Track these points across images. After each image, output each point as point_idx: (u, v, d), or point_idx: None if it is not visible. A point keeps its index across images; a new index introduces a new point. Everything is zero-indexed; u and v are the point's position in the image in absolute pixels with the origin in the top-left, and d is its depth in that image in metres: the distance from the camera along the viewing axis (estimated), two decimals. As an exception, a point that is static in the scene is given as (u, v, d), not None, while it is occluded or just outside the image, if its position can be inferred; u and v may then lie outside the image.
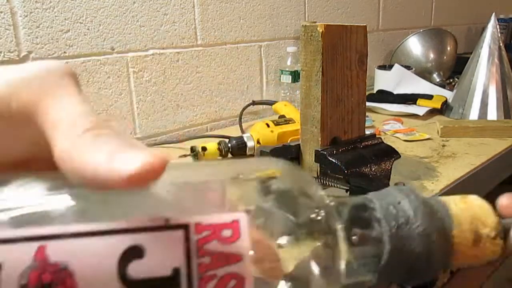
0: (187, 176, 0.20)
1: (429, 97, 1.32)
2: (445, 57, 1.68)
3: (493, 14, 1.25)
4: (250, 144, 0.90)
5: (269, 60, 1.31)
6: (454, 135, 1.06)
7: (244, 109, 1.15)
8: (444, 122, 1.11)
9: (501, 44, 1.23)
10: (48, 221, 0.17)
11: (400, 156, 0.70)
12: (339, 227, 0.20)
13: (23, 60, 0.86)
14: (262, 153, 0.71)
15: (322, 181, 0.68)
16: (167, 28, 1.06)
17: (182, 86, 1.11)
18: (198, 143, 0.90)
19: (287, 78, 1.28)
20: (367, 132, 0.75)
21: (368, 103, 0.95)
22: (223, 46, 1.18)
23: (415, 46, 1.65)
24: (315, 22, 0.66)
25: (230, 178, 0.20)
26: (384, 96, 1.35)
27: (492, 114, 1.19)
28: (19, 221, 0.16)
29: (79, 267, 0.16)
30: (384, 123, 1.17)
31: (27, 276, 0.15)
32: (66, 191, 0.18)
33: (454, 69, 1.67)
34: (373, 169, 0.65)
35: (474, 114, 1.21)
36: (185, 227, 0.17)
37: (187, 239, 0.16)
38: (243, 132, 1.07)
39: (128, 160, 0.16)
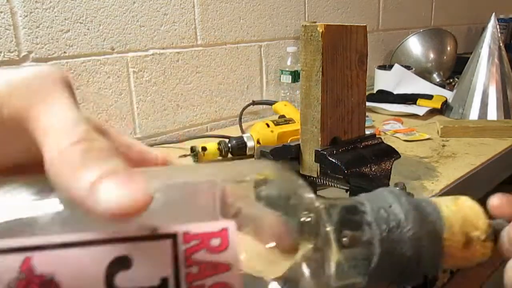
0: (176, 181, 0.20)
1: (429, 97, 1.32)
2: (445, 57, 1.68)
3: (493, 14, 1.25)
4: (250, 144, 0.90)
5: (269, 60, 1.31)
6: (454, 135, 1.06)
7: (244, 109, 1.15)
8: (444, 122, 1.11)
9: (501, 44, 1.23)
10: (34, 230, 0.16)
11: (400, 156, 0.70)
12: (330, 229, 0.20)
13: (23, 60, 0.86)
14: (262, 153, 0.71)
15: (322, 181, 0.68)
16: (167, 28, 1.06)
17: (182, 86, 1.11)
18: (198, 143, 0.90)
19: (287, 78, 1.28)
20: (367, 132, 0.75)
21: (368, 103, 0.95)
22: (223, 46, 1.18)
23: (415, 46, 1.65)
24: (315, 22, 0.66)
25: (220, 182, 0.19)
26: (384, 96, 1.35)
27: (492, 114, 1.19)
28: (4, 230, 0.16)
29: (65, 278, 0.15)
30: (384, 123, 1.17)
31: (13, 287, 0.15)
32: (53, 197, 0.17)
33: (454, 69, 1.67)
34: (373, 169, 0.65)
35: (474, 114, 1.21)
36: (173, 236, 0.16)
37: (175, 249, 0.16)
38: (243, 132, 1.07)
39: (111, 196, 0.15)
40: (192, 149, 0.88)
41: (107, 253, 0.16)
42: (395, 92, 1.38)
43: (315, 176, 0.68)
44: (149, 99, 1.06)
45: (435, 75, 1.64)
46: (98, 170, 0.16)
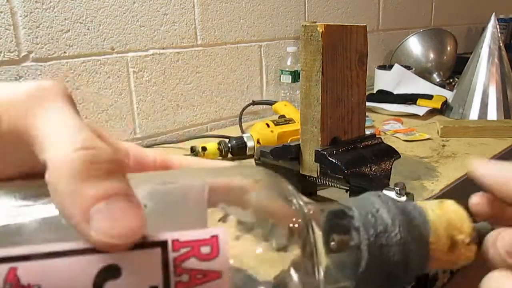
0: (165, 188, 0.19)
1: (429, 97, 1.32)
2: (445, 57, 1.68)
3: (493, 14, 1.25)
4: (250, 144, 0.90)
5: (269, 60, 1.31)
6: (454, 135, 1.06)
7: (244, 109, 1.15)
8: (444, 122, 1.11)
9: (501, 44, 1.23)
10: (19, 238, 0.16)
11: (400, 156, 0.70)
12: (318, 234, 0.20)
13: (23, 60, 0.86)
14: (262, 153, 0.71)
15: (322, 181, 0.68)
16: (167, 28, 1.06)
17: (182, 86, 1.11)
18: (198, 143, 0.90)
19: (287, 78, 1.28)
20: (367, 132, 0.75)
21: (368, 103, 0.95)
22: (223, 46, 1.18)
23: (415, 46, 1.65)
24: (315, 22, 0.66)
25: (210, 188, 0.19)
26: (384, 96, 1.35)
27: (492, 114, 1.19)
28: None
29: None
30: (384, 123, 1.17)
31: None
32: (40, 204, 0.17)
33: (454, 69, 1.67)
34: (373, 169, 0.65)
35: (474, 114, 1.21)
36: (162, 244, 0.16)
37: (164, 257, 0.16)
38: (243, 132, 1.07)
39: (103, 228, 0.15)
40: (192, 149, 0.88)
41: (95, 262, 0.15)
42: (395, 92, 1.38)
43: (315, 176, 0.68)
44: (149, 99, 1.06)
45: (435, 75, 1.64)
46: (96, 188, 0.16)
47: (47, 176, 0.16)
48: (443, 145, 1.01)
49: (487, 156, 0.93)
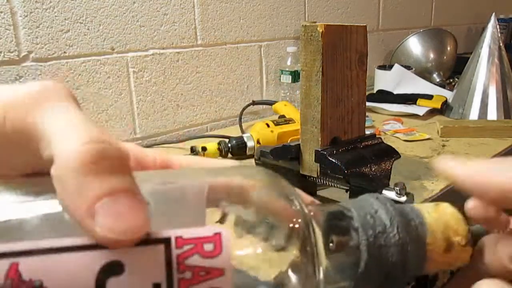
0: (166, 187, 0.19)
1: (429, 97, 1.32)
2: (445, 57, 1.68)
3: (493, 14, 1.25)
4: (250, 144, 0.90)
5: (269, 60, 1.31)
6: (454, 135, 1.06)
7: (244, 109, 1.15)
8: (444, 122, 1.11)
9: (501, 44, 1.23)
10: (21, 233, 0.16)
11: (400, 156, 0.70)
12: (316, 235, 0.20)
13: (23, 60, 0.86)
14: (262, 153, 0.71)
15: (322, 181, 0.68)
16: (167, 28, 1.06)
17: (182, 86, 1.11)
18: (198, 143, 0.90)
19: (287, 78, 1.28)
20: (367, 132, 0.75)
21: (368, 103, 0.95)
22: (223, 46, 1.18)
23: (415, 46, 1.65)
24: (315, 22, 0.66)
25: (209, 188, 0.19)
26: (384, 96, 1.35)
27: (492, 114, 1.19)
28: None
29: (54, 284, 0.15)
30: (384, 123, 1.17)
31: None
32: (43, 200, 0.17)
33: (454, 69, 1.67)
34: (373, 169, 0.65)
35: (474, 114, 1.21)
36: (165, 241, 0.16)
37: (168, 254, 0.16)
38: (243, 132, 1.07)
39: (110, 221, 0.15)
40: (192, 149, 0.88)
41: (98, 259, 0.15)
42: (395, 92, 1.38)
43: (315, 176, 0.68)
44: (149, 99, 1.06)
45: (435, 75, 1.64)
46: (103, 183, 0.16)
47: (53, 170, 0.16)
48: (443, 145, 1.01)
49: (487, 156, 0.93)
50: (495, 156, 0.94)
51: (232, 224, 0.19)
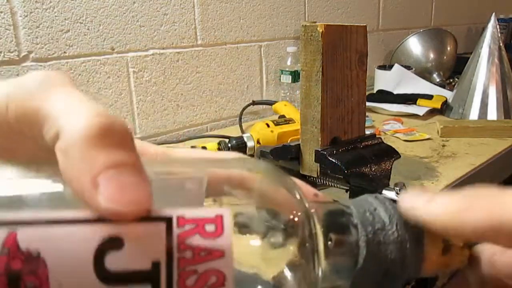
0: (164, 177, 0.19)
1: (429, 97, 1.32)
2: (445, 57, 1.68)
3: (493, 14, 1.25)
4: (250, 144, 0.90)
5: (269, 60, 1.31)
6: (454, 135, 1.06)
7: (244, 109, 1.15)
8: (444, 122, 1.11)
9: (501, 44, 1.23)
10: (21, 206, 0.16)
11: (400, 156, 0.70)
12: (317, 231, 0.20)
13: (23, 60, 0.86)
14: (262, 153, 0.71)
15: (322, 181, 0.68)
16: (167, 28, 1.06)
17: (182, 86, 1.11)
18: (198, 143, 0.90)
19: (287, 78, 1.28)
20: (367, 132, 0.75)
21: (368, 103, 0.95)
22: (223, 46, 1.18)
23: (415, 46, 1.65)
24: (315, 22, 0.66)
25: (209, 179, 0.19)
26: (384, 96, 1.35)
27: (492, 114, 1.19)
28: None
29: (52, 256, 0.15)
30: (384, 123, 1.17)
31: None
32: (45, 176, 0.17)
33: (454, 69, 1.67)
34: (373, 169, 0.65)
35: (474, 114, 1.21)
36: (167, 220, 0.16)
37: (169, 232, 0.16)
38: (243, 132, 1.07)
39: (113, 192, 0.15)
40: (192, 149, 0.88)
41: (98, 232, 0.15)
42: (395, 92, 1.38)
43: (315, 176, 0.68)
44: (149, 99, 1.06)
45: (435, 75, 1.64)
46: (108, 155, 0.16)
47: (58, 144, 0.16)
48: (443, 145, 1.01)
49: (487, 156, 0.93)
50: (495, 156, 0.94)
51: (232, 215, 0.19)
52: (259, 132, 0.92)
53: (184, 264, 0.16)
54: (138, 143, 0.23)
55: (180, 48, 1.09)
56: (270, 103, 1.16)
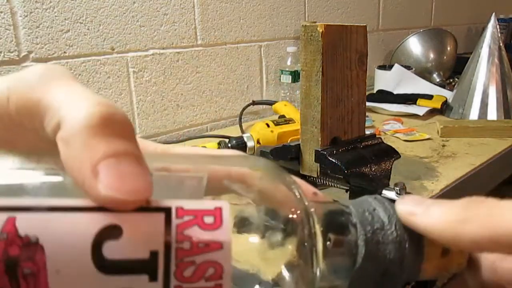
0: (164, 173, 0.19)
1: (429, 97, 1.32)
2: (445, 57, 1.68)
3: (493, 14, 1.25)
4: (250, 144, 0.90)
5: (269, 60, 1.31)
6: (454, 135, 1.06)
7: (244, 109, 1.15)
8: (444, 122, 1.11)
9: (501, 44, 1.23)
10: (21, 193, 0.16)
11: (400, 156, 0.70)
12: (316, 230, 0.20)
13: (23, 60, 0.86)
14: (262, 153, 0.71)
15: (322, 181, 0.68)
16: (167, 28, 1.06)
17: (182, 86, 1.11)
18: (198, 143, 0.90)
19: (287, 78, 1.28)
20: (367, 132, 0.75)
21: (368, 103, 0.95)
22: (223, 46, 1.18)
23: (415, 46, 1.65)
24: (315, 22, 0.66)
25: (209, 176, 0.19)
26: (384, 96, 1.35)
27: (492, 114, 1.19)
28: None
29: (50, 242, 0.15)
30: (384, 123, 1.17)
31: None
32: (46, 166, 0.17)
33: (454, 69, 1.67)
34: (373, 169, 0.65)
35: (474, 114, 1.21)
36: (166, 210, 0.16)
37: (167, 222, 0.16)
38: (243, 132, 1.07)
39: (112, 180, 0.15)
40: (192, 149, 0.88)
41: (97, 221, 0.15)
42: (395, 92, 1.38)
43: (315, 176, 0.68)
44: (149, 99, 1.06)
45: (435, 75, 1.64)
46: (109, 144, 0.16)
47: (59, 134, 0.16)
48: (443, 145, 1.01)
49: (487, 156, 0.93)
50: (495, 156, 0.94)
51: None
52: (259, 132, 0.92)
53: (182, 255, 0.16)
54: (138, 141, 0.23)
55: (180, 48, 1.09)
56: (270, 103, 1.16)
